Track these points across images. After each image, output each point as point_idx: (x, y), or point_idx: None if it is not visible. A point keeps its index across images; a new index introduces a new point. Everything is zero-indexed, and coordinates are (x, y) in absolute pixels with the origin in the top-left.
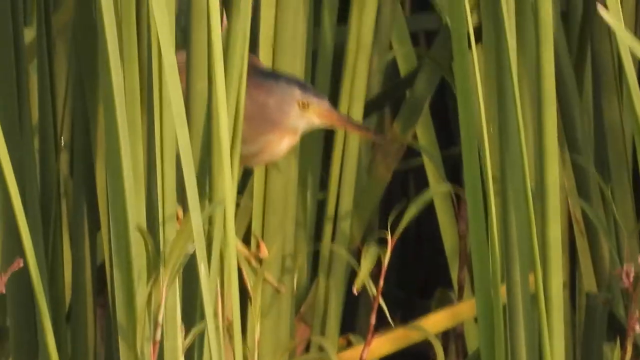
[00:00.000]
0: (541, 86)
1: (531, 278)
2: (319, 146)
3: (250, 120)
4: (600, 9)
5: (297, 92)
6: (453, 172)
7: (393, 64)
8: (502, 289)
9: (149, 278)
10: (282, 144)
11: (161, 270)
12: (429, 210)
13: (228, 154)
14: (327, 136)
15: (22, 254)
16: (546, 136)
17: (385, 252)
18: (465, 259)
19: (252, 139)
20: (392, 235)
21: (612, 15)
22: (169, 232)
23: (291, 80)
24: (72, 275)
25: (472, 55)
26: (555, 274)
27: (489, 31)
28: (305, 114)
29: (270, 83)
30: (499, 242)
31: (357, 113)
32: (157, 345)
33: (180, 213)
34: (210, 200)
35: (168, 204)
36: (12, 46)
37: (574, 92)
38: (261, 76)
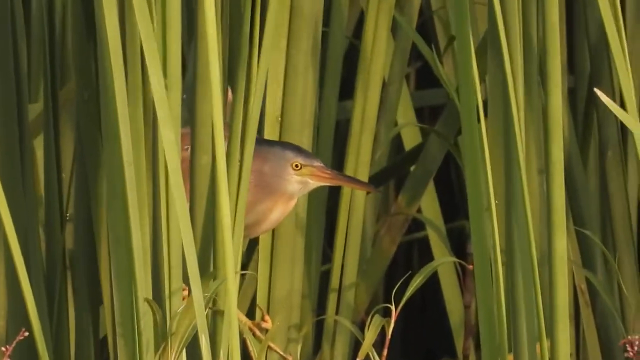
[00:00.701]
0: (549, 158)
1: (538, 348)
2: (323, 218)
3: (250, 189)
4: (599, 92)
5: (290, 155)
6: (457, 244)
7: (398, 139)
8: (509, 359)
9: (156, 349)
10: (278, 211)
11: (169, 341)
12: (434, 281)
13: (230, 229)
14: (331, 209)
15: (26, 324)
16: (554, 208)
17: (389, 323)
18: (470, 329)
19: (248, 209)
20: (396, 306)
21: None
22: (175, 305)
23: (284, 145)
24: (76, 346)
25: (481, 128)
26: (563, 344)
27: (496, 105)
28: (300, 176)
29: (264, 150)
30: (506, 312)
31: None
32: None
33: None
34: (215, 271)
35: (174, 278)
36: (16, 121)
37: (579, 164)
38: (259, 144)
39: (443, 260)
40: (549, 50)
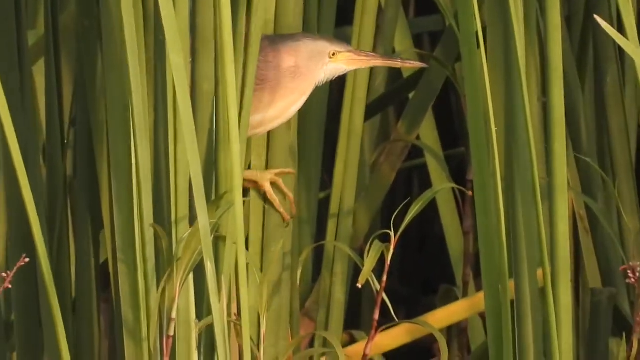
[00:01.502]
0: (549, 84)
1: (539, 273)
2: (320, 144)
3: (273, 85)
4: (598, 19)
5: (325, 44)
6: (456, 171)
7: None
8: (511, 284)
9: (162, 275)
10: (302, 101)
11: (175, 266)
12: (433, 208)
13: (238, 151)
14: (328, 134)
15: (27, 250)
16: (554, 134)
17: (388, 249)
18: (469, 256)
19: (275, 103)
20: (395, 233)
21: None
22: (181, 232)
23: (310, 36)
24: (76, 271)
25: (481, 54)
26: (563, 269)
27: (496, 30)
28: (334, 63)
29: (291, 45)
30: (507, 238)
31: (359, 115)
32: (171, 340)
33: None
34: (218, 195)
35: (181, 204)
36: (15, 47)
37: (577, 91)
38: (275, 42)
39: (443, 187)
40: None
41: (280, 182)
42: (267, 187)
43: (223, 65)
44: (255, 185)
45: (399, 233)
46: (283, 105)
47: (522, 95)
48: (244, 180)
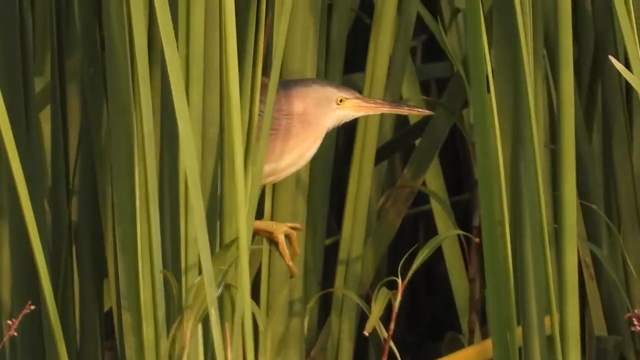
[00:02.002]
0: (561, 131)
1: (547, 321)
2: (327, 190)
3: (284, 134)
4: (613, 60)
5: (333, 90)
6: (462, 218)
7: None
8: (518, 332)
9: (172, 322)
10: (315, 148)
11: (184, 314)
12: (438, 254)
13: (245, 206)
14: (335, 180)
15: (32, 297)
16: (564, 180)
17: (395, 296)
18: (474, 303)
19: (288, 152)
20: (402, 280)
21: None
22: (190, 279)
23: (319, 82)
24: (80, 319)
25: (491, 99)
26: (572, 317)
27: (505, 76)
28: (342, 110)
29: (300, 90)
30: (514, 285)
31: (369, 161)
32: None
33: None
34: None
35: (191, 251)
36: (22, 94)
37: (584, 136)
38: (285, 87)
39: (449, 234)
40: (560, 21)
41: (294, 236)
42: (281, 239)
43: (229, 110)
44: (270, 235)
45: (406, 280)
46: (295, 155)
47: (531, 141)
48: (259, 229)
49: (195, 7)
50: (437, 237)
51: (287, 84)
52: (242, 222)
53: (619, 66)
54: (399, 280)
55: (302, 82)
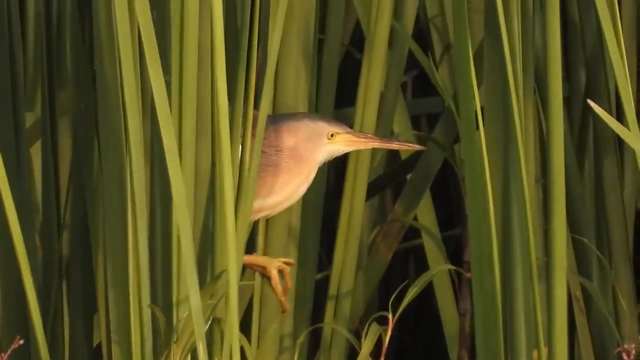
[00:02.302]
0: (550, 166)
1: (535, 355)
2: (318, 224)
3: (276, 169)
4: (592, 104)
5: (324, 125)
6: (453, 252)
7: None
8: None
9: (157, 357)
10: (309, 182)
11: (172, 348)
12: (429, 288)
13: (234, 238)
14: (325, 215)
15: (21, 332)
16: (554, 214)
17: (386, 332)
18: (464, 338)
19: (280, 188)
20: (392, 314)
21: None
22: (181, 313)
23: (310, 116)
24: (70, 353)
25: (480, 135)
26: (560, 352)
27: (494, 111)
28: (332, 145)
29: (291, 124)
30: (504, 318)
31: (360, 196)
32: None
33: None
34: (212, 275)
35: (180, 286)
36: (12, 129)
37: (575, 170)
38: (276, 122)
39: (440, 269)
40: (550, 57)
41: (287, 271)
42: (274, 274)
43: (220, 147)
44: (263, 270)
45: (396, 316)
46: (288, 190)
47: (521, 176)
48: (252, 263)
49: (188, 45)
50: (428, 272)
51: (277, 119)
52: (231, 256)
53: (599, 110)
54: (390, 316)
55: (293, 116)
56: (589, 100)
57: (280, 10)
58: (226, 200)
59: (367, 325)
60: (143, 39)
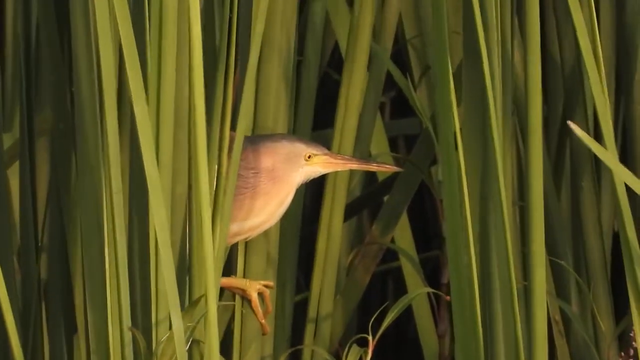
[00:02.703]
0: (530, 190)
1: None
2: (296, 248)
3: (254, 191)
4: (572, 125)
5: (301, 147)
6: (431, 274)
7: None
8: None
9: None
10: (287, 204)
11: None
12: (408, 310)
13: (211, 256)
14: (301, 238)
15: (1, 354)
16: (533, 237)
17: (367, 353)
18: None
19: (258, 210)
20: (372, 337)
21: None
22: (161, 334)
23: (288, 137)
24: None
25: (459, 156)
26: None
27: (472, 134)
28: (310, 166)
29: (268, 146)
30: (484, 341)
31: (338, 218)
32: None
33: None
34: (192, 300)
35: (161, 306)
36: None
37: (552, 193)
38: (253, 143)
39: (419, 292)
40: (529, 78)
41: (267, 293)
42: (254, 297)
43: (196, 169)
44: (243, 292)
45: (376, 338)
46: (266, 213)
47: (499, 198)
48: (232, 286)
49: (166, 65)
50: (407, 295)
51: (254, 140)
52: (210, 278)
53: (580, 132)
54: (370, 338)
55: (271, 137)
56: (569, 122)
57: (257, 30)
58: (204, 221)
59: (347, 347)
60: (126, 58)
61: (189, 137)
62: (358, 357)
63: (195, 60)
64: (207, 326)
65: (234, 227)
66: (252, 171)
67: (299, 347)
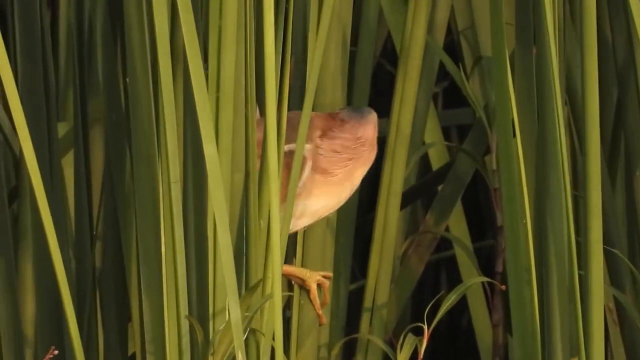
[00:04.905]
0: (587, 181)
1: None
2: (351, 238)
3: (358, 161)
4: None
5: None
6: (485, 263)
7: (426, 158)
8: None
9: None
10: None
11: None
12: (462, 300)
13: (278, 243)
14: (359, 227)
15: (55, 342)
16: (590, 226)
17: (422, 342)
18: (497, 349)
19: (357, 180)
20: (427, 326)
21: None
22: (218, 324)
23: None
24: None
25: (517, 143)
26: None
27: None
28: None
29: (372, 116)
30: (541, 332)
31: (394, 208)
32: None
33: None
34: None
35: (219, 296)
36: (46, 139)
37: (607, 182)
38: (358, 113)
39: (474, 281)
40: (586, 68)
41: (326, 285)
42: (313, 288)
43: (266, 152)
44: (302, 282)
45: (431, 327)
46: (357, 183)
47: (559, 188)
48: (292, 274)
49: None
50: (463, 284)
51: (360, 110)
52: (276, 265)
53: None
54: (425, 327)
55: (360, 110)
56: None
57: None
58: (272, 206)
59: (402, 336)
60: (186, 41)
61: (246, 122)
62: (413, 347)
63: (269, 47)
64: (272, 314)
65: (329, 202)
66: (359, 141)
67: (354, 335)
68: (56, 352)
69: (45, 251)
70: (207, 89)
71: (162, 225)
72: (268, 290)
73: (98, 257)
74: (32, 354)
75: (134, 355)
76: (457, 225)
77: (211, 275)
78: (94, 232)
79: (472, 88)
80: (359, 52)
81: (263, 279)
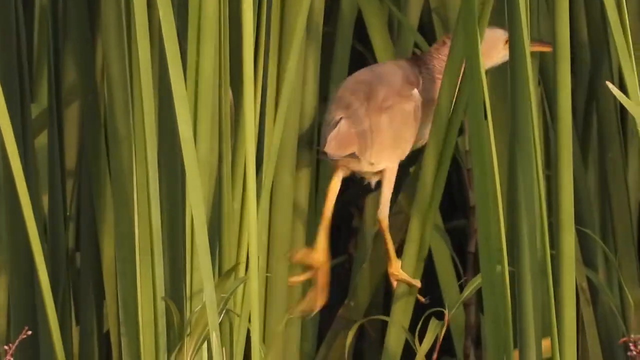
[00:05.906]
0: (559, 159)
1: (545, 343)
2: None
3: None
4: (610, 85)
5: (502, 32)
6: (457, 243)
7: None
8: (515, 354)
9: (172, 348)
10: None
11: (185, 340)
12: (433, 279)
13: (255, 224)
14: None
15: (29, 322)
16: (562, 206)
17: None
18: (470, 328)
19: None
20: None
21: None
22: (195, 305)
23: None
24: (80, 343)
25: (488, 125)
26: (569, 339)
27: (499, 103)
28: (505, 50)
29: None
30: (512, 311)
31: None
32: None
33: None
34: (225, 270)
35: (196, 278)
36: (19, 120)
37: (579, 162)
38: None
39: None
40: (558, 48)
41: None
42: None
43: (243, 130)
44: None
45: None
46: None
47: (535, 168)
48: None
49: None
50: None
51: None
52: (252, 246)
53: (616, 91)
54: (446, 312)
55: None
56: (607, 82)
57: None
58: (248, 188)
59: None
60: (163, 26)
61: (219, 99)
62: (436, 333)
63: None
64: (249, 292)
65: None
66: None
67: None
68: (29, 332)
69: (18, 231)
70: (186, 73)
71: (136, 206)
72: (242, 273)
73: (72, 238)
74: (4, 334)
75: (108, 333)
76: None
77: (188, 256)
78: (67, 213)
79: None
80: (337, 34)
81: (238, 261)
